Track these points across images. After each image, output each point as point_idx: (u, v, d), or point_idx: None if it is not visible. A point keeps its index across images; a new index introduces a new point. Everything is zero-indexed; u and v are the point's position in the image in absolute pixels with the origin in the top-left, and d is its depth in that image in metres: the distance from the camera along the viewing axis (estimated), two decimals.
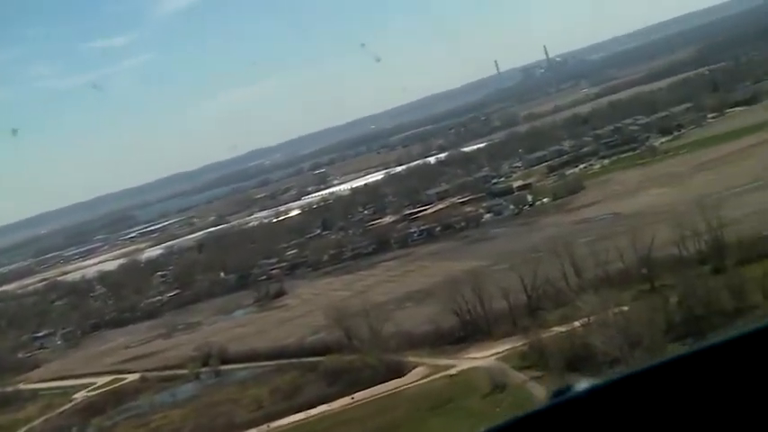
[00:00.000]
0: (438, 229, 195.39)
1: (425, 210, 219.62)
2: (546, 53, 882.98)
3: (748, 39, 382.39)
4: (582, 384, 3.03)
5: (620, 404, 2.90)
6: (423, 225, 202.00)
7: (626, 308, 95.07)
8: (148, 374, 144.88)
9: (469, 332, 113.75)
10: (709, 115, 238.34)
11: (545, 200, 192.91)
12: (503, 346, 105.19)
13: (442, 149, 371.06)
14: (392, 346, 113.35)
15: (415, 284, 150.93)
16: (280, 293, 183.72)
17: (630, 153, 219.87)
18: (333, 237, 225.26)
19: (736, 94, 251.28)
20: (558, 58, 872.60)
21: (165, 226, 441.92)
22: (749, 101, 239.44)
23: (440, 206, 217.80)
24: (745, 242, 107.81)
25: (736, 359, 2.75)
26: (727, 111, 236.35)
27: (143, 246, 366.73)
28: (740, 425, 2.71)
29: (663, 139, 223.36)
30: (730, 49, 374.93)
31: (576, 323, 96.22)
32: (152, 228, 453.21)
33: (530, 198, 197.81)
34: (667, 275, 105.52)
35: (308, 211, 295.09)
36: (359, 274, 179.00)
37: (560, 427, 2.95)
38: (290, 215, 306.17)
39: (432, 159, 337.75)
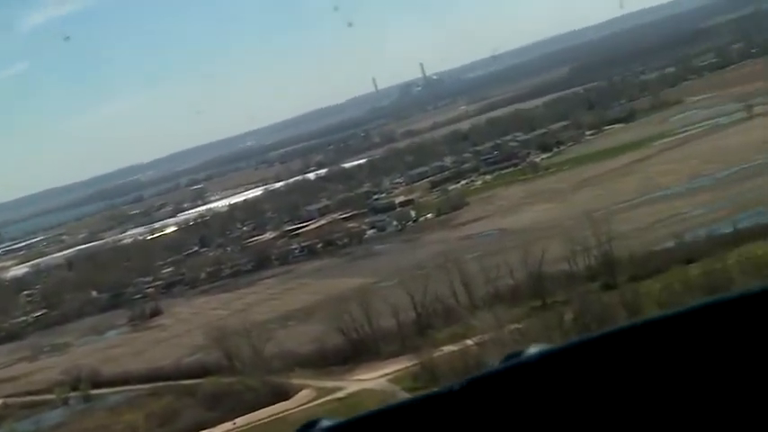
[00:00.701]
0: (320, 245, 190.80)
1: (306, 226, 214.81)
2: (423, 71, 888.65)
3: (619, 60, 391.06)
4: (534, 349, 3.00)
5: (572, 370, 2.87)
6: (304, 242, 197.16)
7: (519, 325, 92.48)
8: (9, 401, 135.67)
9: (357, 352, 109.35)
10: (588, 132, 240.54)
11: (428, 215, 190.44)
12: (393, 367, 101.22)
13: (321, 165, 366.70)
14: (275, 368, 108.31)
15: (297, 302, 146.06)
16: (155, 313, 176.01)
17: (512, 169, 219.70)
18: (211, 254, 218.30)
19: (613, 112, 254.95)
20: (434, 76, 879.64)
21: (31, 243, 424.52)
22: (626, 118, 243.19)
23: (321, 222, 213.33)
24: (635, 257, 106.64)
25: (687, 331, 2.74)
26: (605, 128, 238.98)
27: (8, 264, 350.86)
28: (691, 396, 2.74)
29: (543, 156, 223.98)
30: (602, 69, 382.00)
31: (469, 341, 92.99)
32: (18, 245, 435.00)
33: (413, 214, 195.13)
34: (559, 291, 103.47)
35: (184, 227, 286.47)
36: (238, 292, 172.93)
37: (511, 391, 2.94)
38: (165, 232, 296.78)
39: (311, 175, 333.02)
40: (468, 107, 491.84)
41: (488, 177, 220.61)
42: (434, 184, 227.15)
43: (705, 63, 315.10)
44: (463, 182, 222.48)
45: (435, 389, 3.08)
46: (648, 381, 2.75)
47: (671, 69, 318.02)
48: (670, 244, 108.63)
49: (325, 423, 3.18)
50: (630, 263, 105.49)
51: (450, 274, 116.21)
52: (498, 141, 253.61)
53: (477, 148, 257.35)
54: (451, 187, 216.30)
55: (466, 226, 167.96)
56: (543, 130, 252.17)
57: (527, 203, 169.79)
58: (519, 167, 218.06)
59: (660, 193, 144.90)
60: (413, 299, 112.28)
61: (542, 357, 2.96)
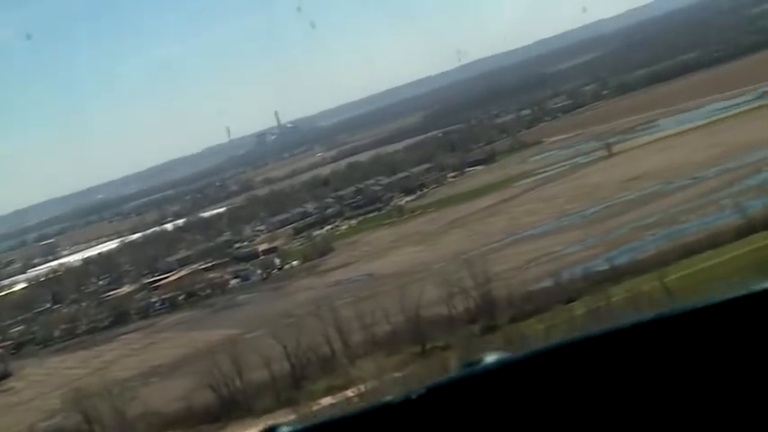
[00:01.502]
0: (182, 297, 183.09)
1: (166, 278, 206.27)
2: (277, 119, 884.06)
3: (475, 103, 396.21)
4: (491, 357, 2.98)
5: (531, 378, 2.89)
6: (164, 294, 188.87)
7: (400, 373, 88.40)
8: None
9: (228, 409, 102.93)
10: (450, 174, 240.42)
11: (294, 263, 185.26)
12: (267, 423, 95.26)
13: (179, 216, 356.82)
14: (140, 430, 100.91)
15: (160, 358, 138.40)
16: (4, 375, 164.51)
17: (377, 213, 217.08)
18: (65, 310, 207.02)
19: (474, 154, 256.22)
20: (289, 124, 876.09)
21: None
22: (487, 160, 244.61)
23: (182, 273, 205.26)
24: (514, 298, 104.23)
25: (647, 339, 2.78)
26: (468, 169, 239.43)
27: None
28: (661, 403, 2.77)
29: (408, 199, 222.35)
30: (457, 114, 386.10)
31: (349, 392, 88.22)
32: None
33: (278, 261, 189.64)
34: (439, 336, 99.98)
35: (35, 284, 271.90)
36: (96, 349, 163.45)
37: (470, 399, 2.93)
38: (14, 289, 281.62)
39: (169, 226, 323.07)
40: (326, 153, 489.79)
41: (353, 222, 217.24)
42: (298, 231, 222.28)
43: (559, 105, 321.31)
44: (328, 227, 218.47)
45: (392, 397, 3.00)
46: (607, 389, 2.77)
47: (526, 112, 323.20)
48: (548, 283, 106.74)
49: (284, 430, 3.12)
50: (510, 304, 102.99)
51: (323, 322, 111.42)
52: (360, 186, 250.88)
53: (340, 192, 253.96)
54: (316, 233, 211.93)
55: (334, 272, 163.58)
56: (406, 174, 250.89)
57: (396, 247, 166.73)
58: (384, 211, 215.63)
59: (529, 232, 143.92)
60: (285, 349, 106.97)
61: (501, 365, 2.93)
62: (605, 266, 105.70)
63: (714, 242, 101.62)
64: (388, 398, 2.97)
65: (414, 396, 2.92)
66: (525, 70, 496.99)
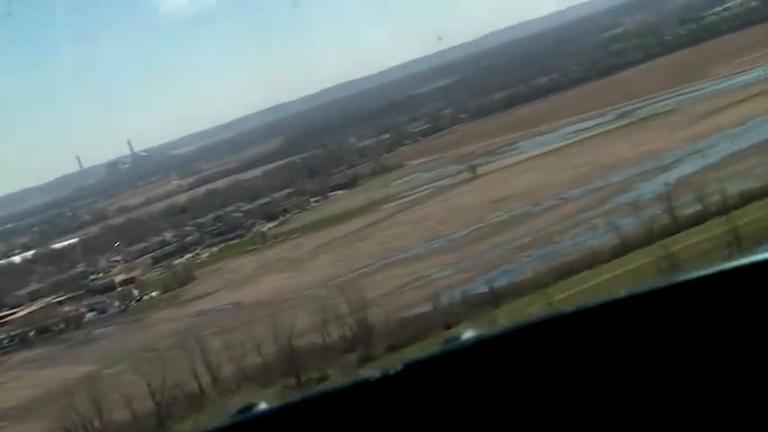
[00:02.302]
0: (33, 333, 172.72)
1: (15, 313, 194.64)
2: (131, 147, 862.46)
3: (333, 128, 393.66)
4: (469, 333, 2.98)
5: (510, 354, 2.90)
6: (14, 330, 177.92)
7: None
8: None
9: None
10: (313, 199, 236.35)
11: (154, 293, 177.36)
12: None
13: (27, 247, 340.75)
14: None
15: (11, 399, 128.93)
16: None
17: (238, 240, 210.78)
18: None
19: (335, 178, 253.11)
20: (143, 153, 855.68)
21: None
22: (349, 184, 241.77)
23: (33, 308, 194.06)
24: (391, 325, 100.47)
25: (625, 316, 2.82)
26: (330, 194, 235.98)
27: None
28: (637, 381, 2.79)
29: (270, 225, 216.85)
30: (316, 138, 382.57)
31: None
32: None
33: (136, 292, 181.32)
34: (314, 366, 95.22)
35: None
36: None
37: (449, 375, 2.95)
38: None
39: (17, 258, 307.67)
40: (182, 181, 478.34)
41: (215, 249, 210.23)
42: (157, 260, 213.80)
43: (418, 129, 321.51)
44: (188, 255, 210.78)
45: (371, 374, 3.00)
46: (586, 366, 2.79)
47: (386, 136, 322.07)
48: (425, 308, 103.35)
49: (263, 406, 3.12)
50: (387, 331, 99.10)
51: (189, 356, 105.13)
52: (220, 213, 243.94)
53: (199, 220, 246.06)
54: (176, 262, 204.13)
55: (198, 301, 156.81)
56: (267, 199, 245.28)
57: (262, 274, 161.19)
58: (246, 238, 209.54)
59: (400, 256, 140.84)
60: (149, 386, 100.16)
61: (479, 342, 2.94)
62: (484, 289, 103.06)
63: (591, 262, 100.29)
64: (367, 374, 2.96)
65: (392, 372, 2.93)
66: (382, 95, 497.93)
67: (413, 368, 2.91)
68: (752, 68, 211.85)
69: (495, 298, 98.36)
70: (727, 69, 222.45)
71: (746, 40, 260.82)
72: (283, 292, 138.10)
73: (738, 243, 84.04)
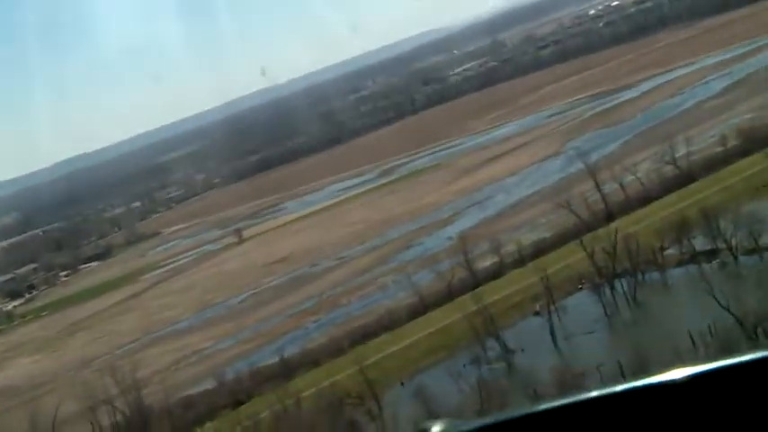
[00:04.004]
0: None
1: None
2: None
3: (76, 199, 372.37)
4: (437, 427, 2.98)
5: None
6: None
7: None
8: None
9: None
10: (62, 273, 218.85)
11: None
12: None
13: None
14: None
15: None
16: None
17: None
18: None
19: (87, 250, 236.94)
20: None
21: None
22: (103, 255, 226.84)
23: None
24: (171, 406, 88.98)
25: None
26: (82, 267, 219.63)
27: None
28: None
29: (15, 303, 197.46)
30: (60, 210, 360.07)
31: None
32: None
33: None
34: None
35: None
36: None
37: None
38: None
39: None
40: None
41: None
42: None
43: (172, 195, 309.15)
44: None
45: None
46: None
47: (137, 204, 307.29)
48: (209, 385, 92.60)
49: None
50: (167, 413, 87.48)
51: None
52: None
53: None
54: None
55: None
56: (9, 276, 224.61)
57: (9, 357, 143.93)
58: None
59: (170, 328, 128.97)
60: None
61: None
62: (273, 360, 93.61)
63: (389, 323, 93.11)
64: None
65: None
66: (126, 163, 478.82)
67: None
68: (505, 123, 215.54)
69: (288, 369, 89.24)
70: (482, 125, 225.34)
71: (491, 98, 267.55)
72: (36, 375, 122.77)
73: (550, 294, 79.46)
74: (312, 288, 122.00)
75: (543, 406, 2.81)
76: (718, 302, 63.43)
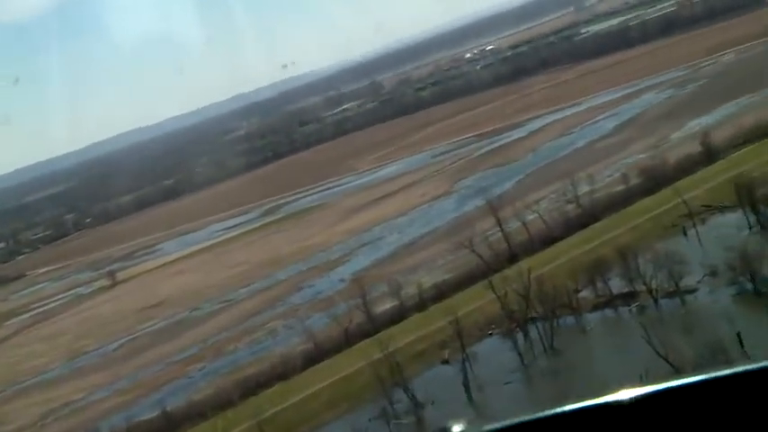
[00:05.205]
0: None
1: None
2: None
3: None
4: (457, 427, 3.07)
5: None
6: None
7: None
8: None
9: None
10: None
11: None
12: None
13: None
14: None
15: None
16: None
17: None
18: None
19: None
20: None
21: None
22: None
23: None
24: None
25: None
26: None
27: None
28: None
29: None
30: None
31: None
32: None
33: None
34: None
35: None
36: None
37: None
38: None
39: None
40: None
41: None
42: None
43: (38, 236, 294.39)
44: None
45: None
46: None
47: (0, 245, 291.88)
48: None
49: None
50: None
51: None
52: None
53: None
54: None
55: None
56: None
57: None
58: None
59: (37, 378, 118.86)
60: None
61: None
62: (155, 413, 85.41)
63: (283, 372, 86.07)
64: None
65: None
66: None
67: None
68: (390, 162, 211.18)
69: (171, 423, 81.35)
70: (365, 165, 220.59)
71: (373, 138, 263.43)
72: None
73: (461, 341, 73.92)
74: (195, 333, 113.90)
75: (555, 410, 2.93)
76: (654, 349, 58.73)
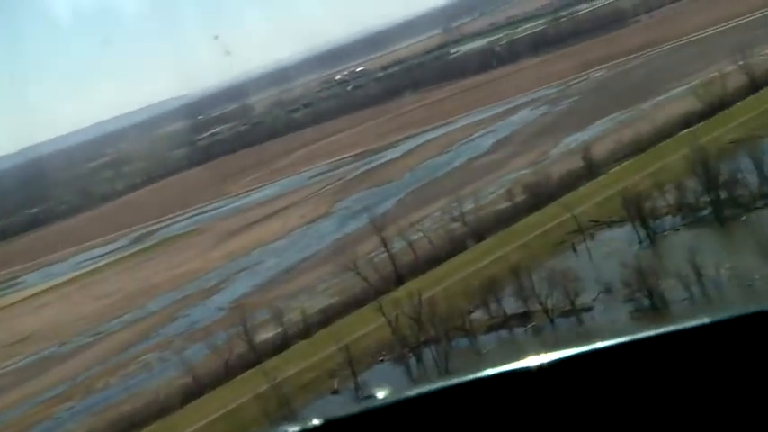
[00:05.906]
0: None
1: None
2: None
3: None
4: (381, 392, 3.01)
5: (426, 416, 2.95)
6: None
7: None
8: None
9: None
10: None
11: None
12: None
13: None
14: None
15: None
16: None
17: None
18: None
19: None
20: None
21: None
22: None
23: None
24: None
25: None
26: None
27: None
28: None
29: None
30: None
31: None
32: None
33: None
34: None
35: None
36: None
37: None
38: None
39: None
40: None
41: None
42: None
43: None
44: None
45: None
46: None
47: None
48: None
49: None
50: None
51: None
52: None
53: None
54: None
55: None
56: None
57: None
58: None
59: None
60: None
61: (398, 402, 2.96)
62: None
63: (159, 409, 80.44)
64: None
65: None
66: None
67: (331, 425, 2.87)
68: (264, 185, 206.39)
69: None
70: (238, 188, 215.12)
71: (245, 162, 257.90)
72: None
73: (351, 367, 69.99)
74: (63, 370, 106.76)
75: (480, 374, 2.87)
76: None
